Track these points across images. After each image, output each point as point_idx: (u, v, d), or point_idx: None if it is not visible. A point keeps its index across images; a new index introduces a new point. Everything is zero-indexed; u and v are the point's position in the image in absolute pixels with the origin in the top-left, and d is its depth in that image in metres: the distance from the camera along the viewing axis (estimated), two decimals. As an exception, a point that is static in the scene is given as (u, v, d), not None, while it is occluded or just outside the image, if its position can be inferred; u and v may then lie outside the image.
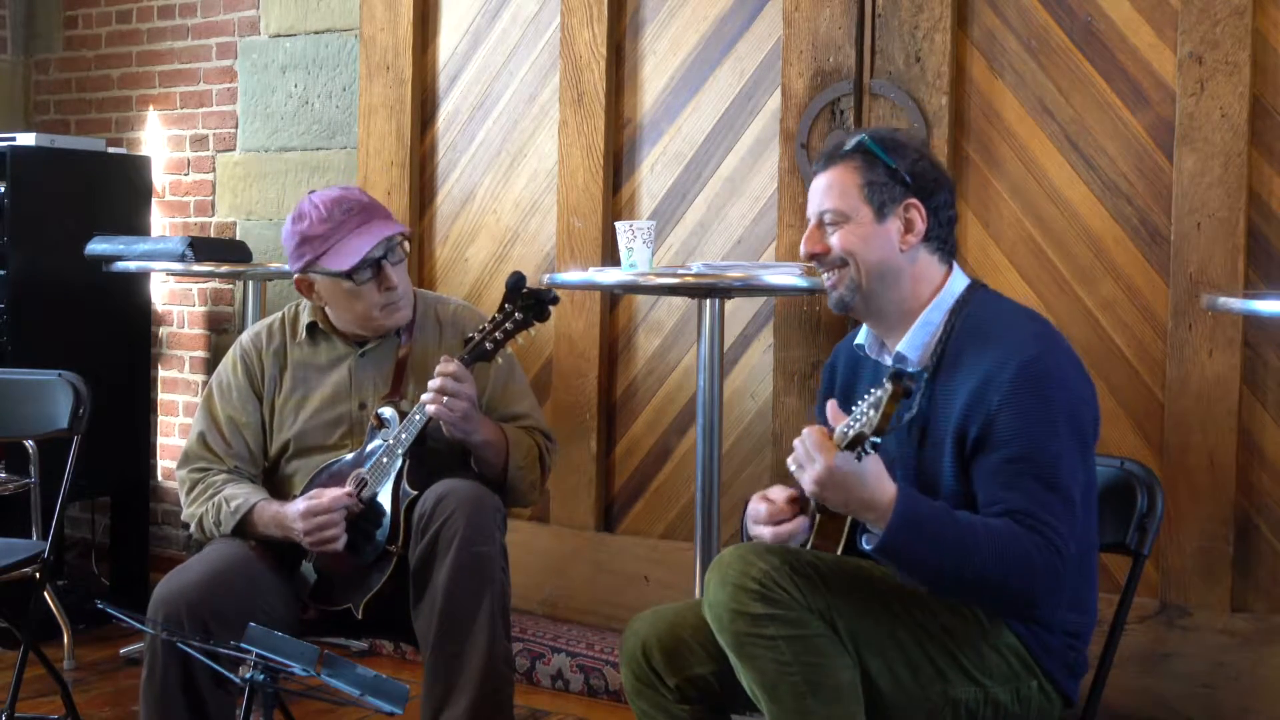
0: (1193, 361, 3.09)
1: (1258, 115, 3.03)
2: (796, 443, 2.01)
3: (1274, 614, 3.05)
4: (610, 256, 3.80)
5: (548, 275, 3.20)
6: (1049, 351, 2.10)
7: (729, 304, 3.25)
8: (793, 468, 2.03)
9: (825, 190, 2.22)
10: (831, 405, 2.05)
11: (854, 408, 1.96)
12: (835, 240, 2.20)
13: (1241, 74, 3.02)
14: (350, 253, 2.70)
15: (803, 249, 2.24)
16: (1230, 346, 3.05)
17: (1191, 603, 3.11)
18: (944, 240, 2.23)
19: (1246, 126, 3.02)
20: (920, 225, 2.20)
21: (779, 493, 2.19)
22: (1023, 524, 2.01)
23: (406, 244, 2.80)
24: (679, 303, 3.77)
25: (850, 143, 2.22)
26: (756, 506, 2.20)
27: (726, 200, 3.71)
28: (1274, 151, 3.03)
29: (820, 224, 2.22)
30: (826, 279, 2.24)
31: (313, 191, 2.79)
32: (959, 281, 2.24)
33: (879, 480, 1.98)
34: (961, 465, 2.11)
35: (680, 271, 3.11)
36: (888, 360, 2.25)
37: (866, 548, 2.01)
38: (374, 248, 2.70)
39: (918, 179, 2.20)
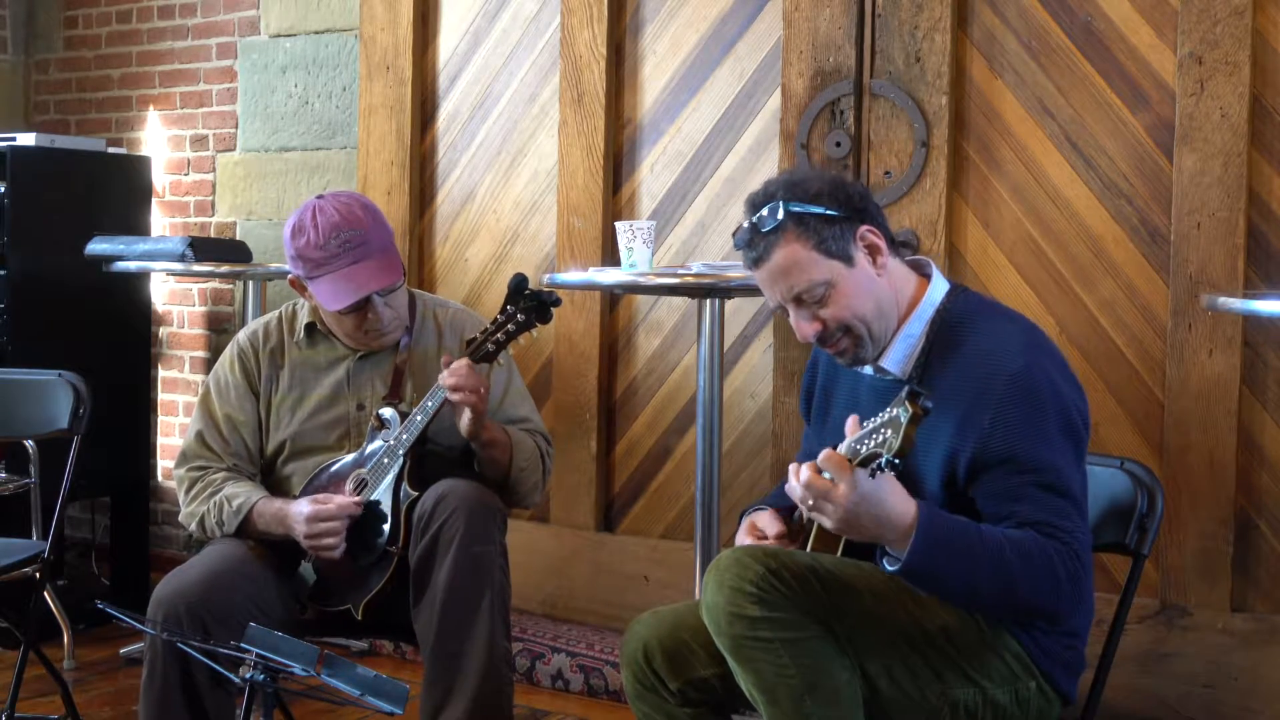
0: (1193, 361, 3.09)
1: (1258, 115, 3.03)
2: (803, 480, 1.94)
3: (1274, 614, 3.05)
4: (610, 256, 3.80)
5: (548, 275, 3.20)
6: (1034, 362, 2.07)
7: (729, 304, 3.25)
8: (808, 503, 1.97)
9: (783, 274, 2.12)
10: (853, 420, 2.01)
11: (865, 424, 1.94)
12: (828, 312, 2.12)
13: (1241, 74, 3.02)
14: (336, 295, 2.67)
15: (805, 335, 2.14)
16: (1230, 346, 3.05)
17: (1191, 603, 3.11)
18: (893, 240, 2.19)
19: (1246, 126, 3.02)
20: (880, 241, 2.15)
21: (770, 526, 2.20)
22: (1042, 533, 2.00)
23: (404, 278, 2.74)
24: (679, 303, 3.77)
25: (769, 221, 2.11)
26: (742, 539, 2.20)
27: (726, 200, 3.71)
28: (1274, 151, 3.03)
29: (800, 303, 2.13)
30: (831, 349, 2.17)
31: (321, 195, 2.72)
32: (938, 289, 2.20)
33: (898, 511, 1.94)
34: (950, 485, 2.08)
35: (680, 271, 3.11)
36: (868, 372, 2.22)
37: (889, 569, 1.99)
38: (359, 300, 2.67)
39: (848, 205, 2.13)
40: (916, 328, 2.16)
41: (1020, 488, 2.03)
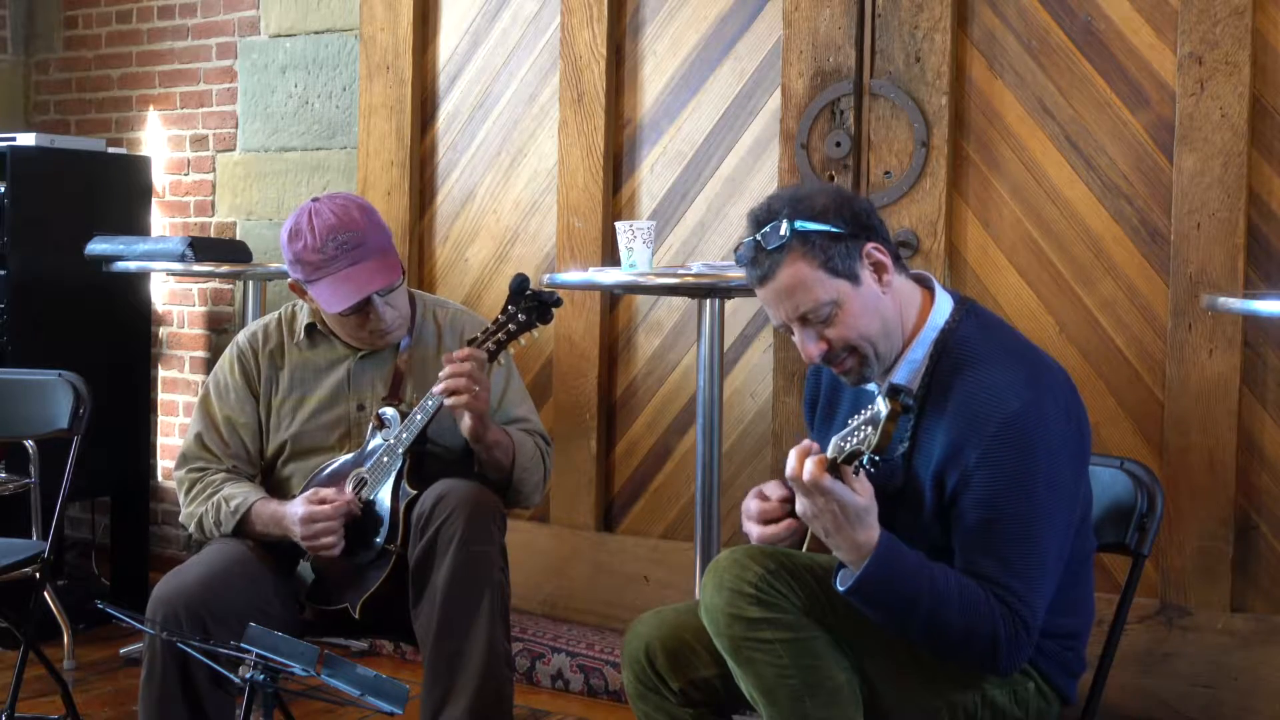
0: (1193, 361, 3.09)
1: (1258, 115, 3.03)
2: (808, 474, 1.92)
3: (1274, 614, 3.05)
4: (610, 256, 3.80)
5: (548, 275, 3.20)
6: (1032, 403, 2.01)
7: (729, 304, 3.25)
8: (792, 483, 1.96)
9: (789, 294, 2.07)
10: None
11: (850, 421, 1.93)
12: (834, 332, 2.07)
13: (1241, 74, 3.02)
14: (335, 297, 2.67)
15: (810, 355, 2.10)
16: (1230, 346, 3.05)
17: (1191, 603, 3.11)
18: (898, 256, 2.15)
19: (1246, 126, 3.02)
20: (886, 259, 2.10)
21: (774, 490, 2.16)
22: (996, 593, 1.97)
23: (403, 277, 2.74)
24: (679, 303, 3.77)
25: (774, 238, 2.05)
26: (749, 503, 2.16)
27: (726, 200, 3.71)
28: (1274, 151, 3.03)
29: (805, 323, 2.09)
30: (837, 369, 2.13)
31: (317, 198, 2.72)
32: (942, 310, 2.15)
33: (867, 528, 1.92)
34: (940, 506, 2.06)
35: (680, 271, 3.11)
36: (870, 389, 2.19)
37: (840, 588, 1.96)
38: (359, 302, 2.67)
39: (854, 222, 2.08)
40: (919, 353, 2.12)
41: (989, 539, 1.99)
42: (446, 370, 2.59)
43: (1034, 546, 1.99)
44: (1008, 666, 2.01)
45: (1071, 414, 2.08)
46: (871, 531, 1.93)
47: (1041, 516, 2.00)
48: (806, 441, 1.97)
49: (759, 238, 2.08)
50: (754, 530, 2.14)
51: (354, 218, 2.68)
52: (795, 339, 2.13)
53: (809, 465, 1.90)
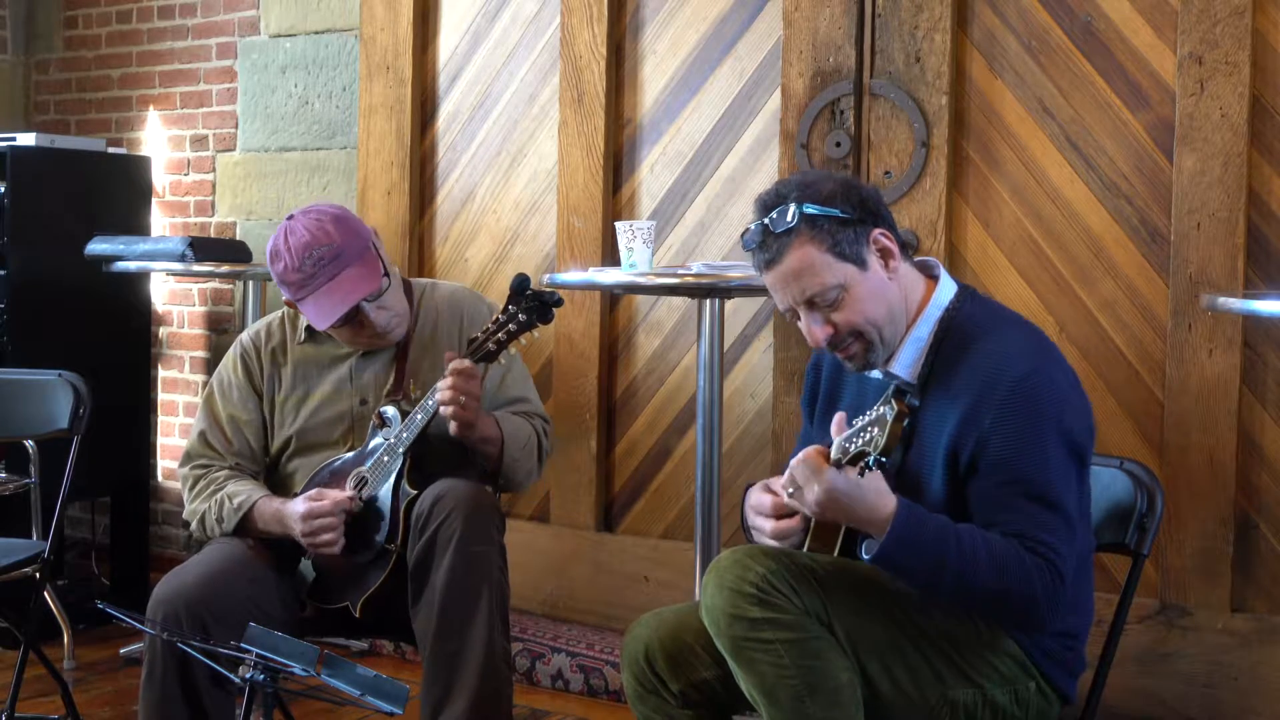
0: (1193, 361, 3.09)
1: (1257, 115, 3.03)
2: (793, 464, 1.99)
3: (1274, 614, 3.05)
4: (610, 256, 3.80)
5: (548, 275, 3.20)
6: (1040, 368, 2.06)
7: (729, 304, 3.25)
8: (789, 491, 2.01)
9: (796, 277, 2.09)
10: (839, 418, 2.03)
11: (854, 422, 1.95)
12: (840, 316, 2.10)
13: (1241, 74, 3.02)
14: (322, 313, 2.67)
15: (816, 339, 2.12)
16: (1230, 346, 3.05)
17: (1191, 603, 3.11)
18: (904, 244, 2.17)
19: (1246, 126, 3.02)
20: (893, 245, 2.12)
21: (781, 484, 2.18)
22: (1025, 545, 2.00)
23: (389, 278, 2.73)
24: (679, 303, 3.77)
25: (782, 222, 2.08)
26: (760, 498, 2.17)
27: (726, 200, 3.71)
28: (1274, 151, 3.03)
29: (812, 307, 2.11)
30: (841, 354, 2.15)
31: (292, 215, 2.72)
32: (946, 291, 2.18)
33: (879, 496, 1.97)
34: (952, 480, 2.08)
35: (680, 271, 3.11)
36: (876, 375, 2.21)
37: (865, 557, 2.00)
38: (348, 312, 2.67)
39: (862, 207, 2.11)
40: (924, 330, 2.15)
41: (1010, 498, 2.02)
42: (444, 382, 2.60)
43: (1055, 499, 2.02)
44: (1049, 616, 2.03)
45: (1076, 386, 2.12)
46: (888, 498, 1.97)
47: (1059, 470, 2.03)
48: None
49: (767, 221, 2.10)
50: (767, 525, 2.15)
51: (327, 231, 2.68)
52: (801, 324, 2.15)
53: (805, 452, 1.95)
